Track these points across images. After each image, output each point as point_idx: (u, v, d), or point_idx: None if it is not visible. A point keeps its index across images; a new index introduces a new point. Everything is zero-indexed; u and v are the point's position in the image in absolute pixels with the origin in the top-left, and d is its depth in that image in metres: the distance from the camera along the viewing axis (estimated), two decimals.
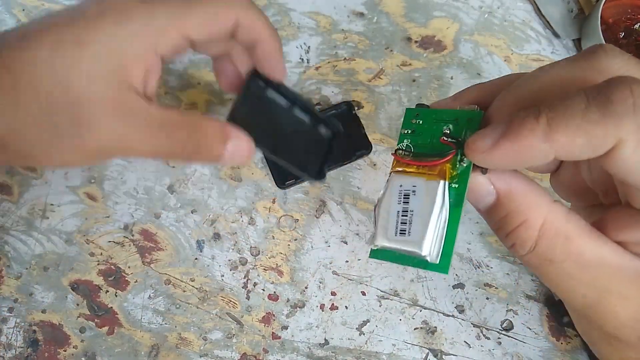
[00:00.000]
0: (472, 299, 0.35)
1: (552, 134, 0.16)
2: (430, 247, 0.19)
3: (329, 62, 0.40)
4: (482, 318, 0.35)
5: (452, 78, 0.40)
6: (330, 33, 0.41)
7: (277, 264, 0.37)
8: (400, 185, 0.20)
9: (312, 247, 0.37)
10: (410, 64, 0.40)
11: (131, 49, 0.23)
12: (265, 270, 0.36)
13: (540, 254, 0.20)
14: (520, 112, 0.18)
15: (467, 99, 0.21)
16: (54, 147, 0.24)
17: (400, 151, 0.21)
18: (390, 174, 0.21)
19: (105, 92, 0.23)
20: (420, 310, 0.36)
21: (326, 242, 0.37)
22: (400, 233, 0.19)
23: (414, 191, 0.20)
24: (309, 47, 0.41)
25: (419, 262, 0.19)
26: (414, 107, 0.22)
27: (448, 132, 0.20)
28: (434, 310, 0.36)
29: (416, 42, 0.41)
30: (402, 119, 0.22)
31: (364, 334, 0.35)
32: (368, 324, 0.35)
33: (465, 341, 0.35)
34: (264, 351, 0.35)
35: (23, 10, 0.42)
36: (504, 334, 0.35)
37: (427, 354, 0.35)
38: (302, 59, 0.40)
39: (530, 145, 0.17)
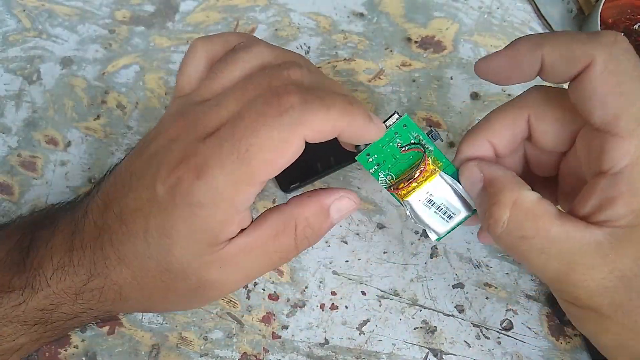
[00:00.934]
0: (472, 299, 0.36)
1: (543, 43, 0.21)
2: (467, 208, 0.27)
3: (329, 63, 0.40)
4: (481, 318, 0.35)
5: (451, 78, 0.40)
6: (330, 33, 0.41)
7: None
8: (419, 200, 0.27)
9: (312, 246, 0.37)
10: (410, 65, 0.40)
11: (213, 222, 0.22)
12: None
13: (512, 230, 0.23)
14: None
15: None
16: (174, 306, 0.28)
17: (392, 187, 0.26)
18: (403, 200, 0.27)
19: (210, 268, 0.23)
20: (420, 310, 0.36)
21: (326, 242, 0.37)
22: (449, 217, 0.27)
23: (431, 194, 0.27)
24: (309, 47, 0.41)
25: (464, 219, 0.27)
26: (394, 116, 0.26)
27: (400, 143, 0.25)
28: (433, 310, 0.36)
29: (416, 42, 0.41)
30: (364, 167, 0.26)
31: (364, 334, 0.35)
32: (368, 323, 0.35)
33: (465, 341, 0.35)
34: (264, 351, 0.35)
35: (24, 10, 0.42)
36: (504, 334, 0.35)
37: (427, 354, 0.35)
38: None
39: (523, 52, 0.22)
